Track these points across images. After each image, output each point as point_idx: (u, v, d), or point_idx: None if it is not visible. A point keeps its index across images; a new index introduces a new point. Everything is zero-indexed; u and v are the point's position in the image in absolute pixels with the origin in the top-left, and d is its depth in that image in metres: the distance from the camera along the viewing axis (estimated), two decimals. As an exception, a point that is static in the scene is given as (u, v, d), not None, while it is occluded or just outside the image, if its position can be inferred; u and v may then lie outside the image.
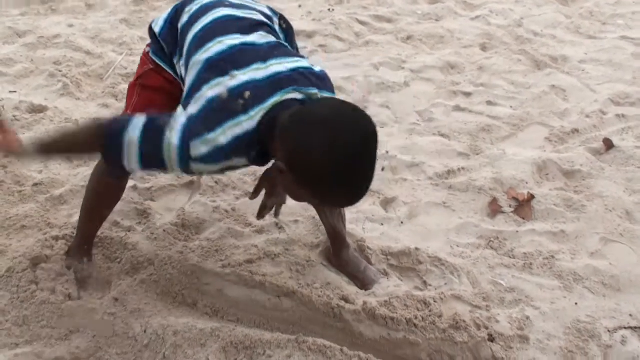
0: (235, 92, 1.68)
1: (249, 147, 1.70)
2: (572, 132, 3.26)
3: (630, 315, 2.20)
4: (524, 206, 2.68)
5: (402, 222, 2.58)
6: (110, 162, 1.75)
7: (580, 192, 2.81)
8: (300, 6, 4.48)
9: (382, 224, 2.55)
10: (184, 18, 1.94)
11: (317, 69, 1.83)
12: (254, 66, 1.73)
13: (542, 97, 3.56)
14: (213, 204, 2.57)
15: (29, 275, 2.13)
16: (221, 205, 2.56)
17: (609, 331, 2.13)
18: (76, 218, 2.41)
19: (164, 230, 2.39)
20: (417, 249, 2.38)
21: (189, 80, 1.77)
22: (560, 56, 4.09)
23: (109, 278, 2.19)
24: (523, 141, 3.19)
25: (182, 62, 1.87)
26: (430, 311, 2.12)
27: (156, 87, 1.98)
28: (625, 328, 2.16)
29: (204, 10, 1.92)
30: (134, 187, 2.62)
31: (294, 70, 1.76)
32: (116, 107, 3.17)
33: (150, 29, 2.03)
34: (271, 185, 1.97)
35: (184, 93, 1.76)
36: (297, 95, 1.73)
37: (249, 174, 2.73)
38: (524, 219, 2.63)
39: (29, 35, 3.85)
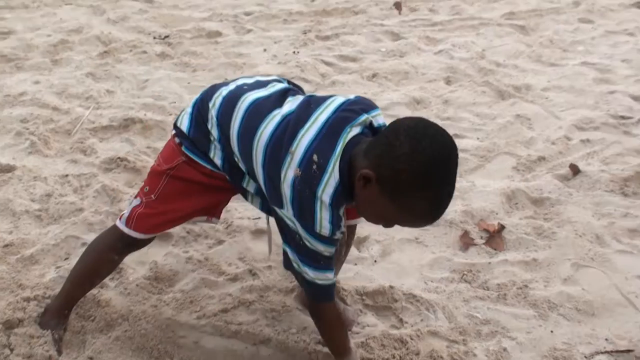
0: (305, 163, 1.70)
1: (347, 199, 1.74)
2: (539, 159, 3.30)
3: (606, 339, 2.22)
4: (495, 237, 2.70)
5: (375, 261, 2.59)
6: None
7: (549, 219, 2.85)
8: (265, 50, 4.52)
9: (356, 264, 2.56)
10: (212, 116, 1.93)
11: (351, 97, 1.86)
12: (303, 129, 1.75)
13: (508, 127, 3.61)
14: (186, 255, 2.56)
15: (2, 339, 2.11)
16: (194, 255, 2.56)
17: (585, 357, 2.15)
18: (48, 277, 2.40)
19: (137, 285, 2.38)
20: (391, 286, 2.39)
21: (260, 176, 1.83)
22: (523, 85, 4.15)
23: (83, 337, 2.17)
24: (491, 172, 3.23)
25: (239, 157, 1.90)
26: (407, 349, 2.12)
27: (189, 179, 1.97)
28: (601, 353, 2.17)
29: (229, 104, 1.91)
30: (106, 242, 2.61)
31: (336, 110, 1.78)
32: (84, 163, 3.16)
33: (176, 126, 2.01)
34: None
35: (265, 191, 1.84)
36: (356, 130, 1.75)
37: (221, 222, 2.73)
38: (495, 249, 2.65)
39: (-6, 94, 3.85)
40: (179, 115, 2.04)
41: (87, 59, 4.31)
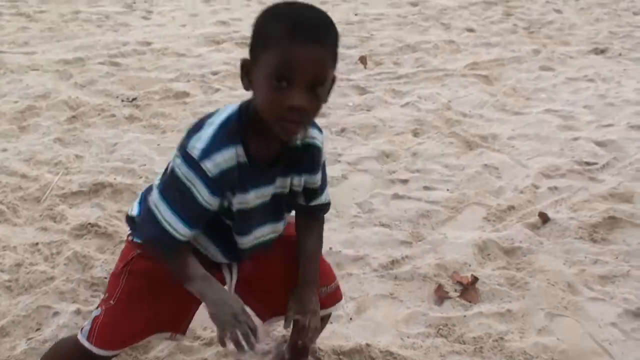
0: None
1: (236, 134, 1.64)
2: (508, 209, 3.34)
3: (584, 389, 2.23)
4: (469, 289, 2.71)
5: (350, 318, 2.59)
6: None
7: (522, 268, 2.87)
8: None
9: (331, 322, 2.54)
10: None
11: None
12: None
13: (476, 177, 3.66)
14: (159, 321, 2.53)
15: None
16: (168, 321, 2.53)
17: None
18: (19, 349, 2.36)
19: (111, 354, 2.34)
20: (368, 344, 2.38)
21: None
22: (489, 134, 4.22)
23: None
24: (462, 223, 3.25)
25: None
26: (386, 409, 2.11)
27: (147, 273, 1.85)
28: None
29: None
30: (77, 311, 2.57)
31: None
32: (55, 230, 3.14)
33: (128, 218, 1.92)
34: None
35: None
36: None
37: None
38: (470, 302, 2.66)
39: (-38, 164, 3.82)
40: (131, 207, 1.93)
41: (55, 124, 4.30)
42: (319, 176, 1.86)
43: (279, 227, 1.90)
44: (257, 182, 1.72)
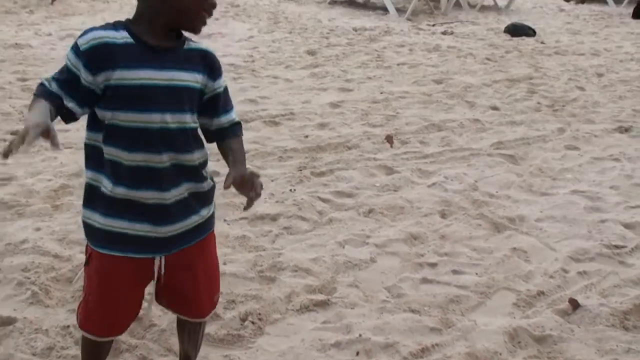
0: None
1: (119, 24, 2.00)
2: (538, 294, 3.33)
3: None
4: (501, 380, 2.69)
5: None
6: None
7: (553, 357, 2.85)
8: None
9: (363, 414, 2.53)
10: None
11: None
12: None
13: (505, 261, 3.66)
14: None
15: None
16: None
17: None
18: None
19: None
20: None
21: None
22: (517, 216, 4.23)
23: None
24: (492, 309, 3.24)
25: None
26: None
27: (98, 269, 2.25)
28: None
29: None
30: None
31: None
32: (87, 313, 3.16)
33: None
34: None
35: None
36: None
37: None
38: (502, 393, 2.64)
39: (-4, 243, 3.89)
40: None
41: (88, 203, 4.37)
42: (221, 83, 2.14)
43: (189, 155, 2.10)
44: (144, 63, 1.97)
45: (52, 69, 5.26)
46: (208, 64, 2.09)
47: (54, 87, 1.97)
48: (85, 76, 1.95)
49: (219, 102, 2.15)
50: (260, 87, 7.09)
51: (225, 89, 2.18)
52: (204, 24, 2.04)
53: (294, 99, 6.68)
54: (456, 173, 4.92)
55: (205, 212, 2.22)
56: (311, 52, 8.55)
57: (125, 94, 1.97)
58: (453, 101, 6.88)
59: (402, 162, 5.14)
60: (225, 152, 2.19)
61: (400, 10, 11.79)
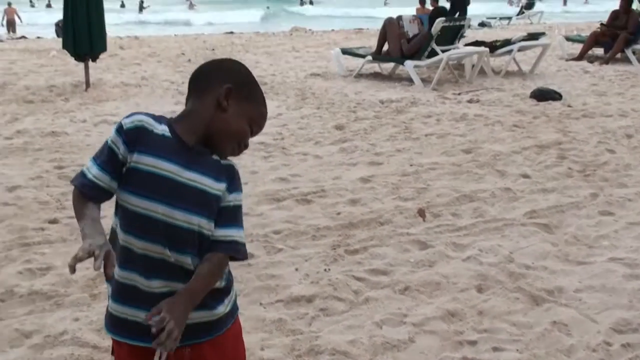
0: None
1: (162, 118, 2.12)
2: (582, 370, 3.27)
3: None
4: None
5: None
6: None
7: None
8: (296, 269, 4.62)
9: None
10: None
11: None
12: None
13: (546, 336, 3.60)
14: None
15: None
16: None
17: None
18: None
19: None
20: None
21: None
22: (555, 288, 4.18)
23: None
24: (536, 387, 3.19)
25: None
26: None
27: None
28: None
29: None
30: None
31: None
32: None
33: None
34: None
35: None
36: None
37: None
38: None
39: (36, 336, 3.92)
40: None
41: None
42: (237, 198, 2.15)
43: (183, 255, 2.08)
44: (172, 157, 2.05)
45: (87, 155, 5.42)
46: (230, 175, 2.14)
47: (94, 171, 2.05)
48: (122, 152, 2.04)
49: (224, 214, 2.12)
50: (290, 165, 7.17)
51: (239, 207, 2.16)
52: (232, 154, 2.16)
53: (324, 176, 6.73)
54: (491, 245, 4.89)
55: (220, 309, 2.17)
56: (339, 127, 8.65)
57: (141, 179, 2.05)
58: (483, 170, 6.88)
59: (435, 236, 5.13)
60: (200, 263, 2.10)
61: (425, 81, 11.91)
